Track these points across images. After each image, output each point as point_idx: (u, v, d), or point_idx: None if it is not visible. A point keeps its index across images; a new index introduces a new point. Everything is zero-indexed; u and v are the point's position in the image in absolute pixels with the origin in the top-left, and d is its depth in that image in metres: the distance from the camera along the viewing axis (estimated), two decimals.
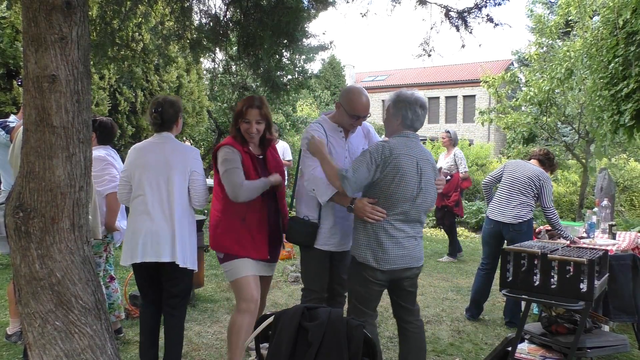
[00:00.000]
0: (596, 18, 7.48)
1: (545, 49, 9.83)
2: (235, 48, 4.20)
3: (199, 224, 4.59)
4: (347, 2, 3.77)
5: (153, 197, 2.83)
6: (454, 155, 6.83)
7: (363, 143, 3.07)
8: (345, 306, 3.03)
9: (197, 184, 2.94)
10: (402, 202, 2.61)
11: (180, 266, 2.83)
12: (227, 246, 2.89)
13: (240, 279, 2.87)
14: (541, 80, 9.10)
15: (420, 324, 2.86)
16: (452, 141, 6.96)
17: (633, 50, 5.38)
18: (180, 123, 3.05)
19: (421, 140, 3.32)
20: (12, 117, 3.72)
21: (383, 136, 2.97)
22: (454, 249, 7.03)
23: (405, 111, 2.69)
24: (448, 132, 7.12)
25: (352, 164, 2.63)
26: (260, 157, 3.00)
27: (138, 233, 2.82)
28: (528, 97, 9.21)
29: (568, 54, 8.19)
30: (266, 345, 1.88)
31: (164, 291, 2.99)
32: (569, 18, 8.47)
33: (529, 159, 4.55)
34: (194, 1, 3.93)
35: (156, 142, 2.94)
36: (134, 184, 2.89)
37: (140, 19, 4.08)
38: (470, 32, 3.45)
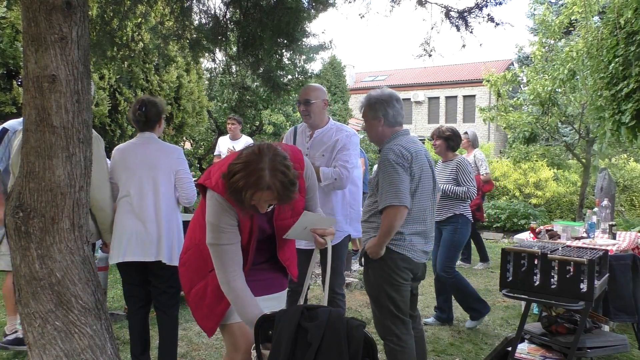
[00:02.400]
0: (596, 18, 7.47)
1: (547, 48, 9.81)
2: (235, 48, 4.20)
3: None
4: (350, 2, 3.76)
5: (138, 198, 2.85)
6: (474, 156, 6.41)
7: (323, 149, 3.16)
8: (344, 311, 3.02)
9: (184, 182, 2.96)
10: (424, 199, 2.64)
11: (167, 264, 2.85)
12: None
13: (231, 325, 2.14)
14: (544, 80, 9.08)
15: (422, 329, 2.89)
16: (471, 142, 6.53)
17: (633, 50, 5.37)
18: (162, 124, 3.07)
19: (420, 139, 3.33)
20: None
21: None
22: (485, 254, 6.73)
23: (385, 110, 2.66)
24: (467, 133, 6.62)
25: (388, 187, 2.50)
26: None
27: (124, 232, 2.84)
28: (532, 96, 9.19)
29: (570, 54, 8.17)
30: (266, 345, 1.88)
31: (153, 289, 3.00)
32: (573, 17, 8.44)
33: (437, 139, 4.61)
34: (194, 1, 3.93)
35: (140, 143, 2.96)
36: (120, 184, 2.91)
37: (139, 19, 4.08)
38: (471, 32, 3.45)
